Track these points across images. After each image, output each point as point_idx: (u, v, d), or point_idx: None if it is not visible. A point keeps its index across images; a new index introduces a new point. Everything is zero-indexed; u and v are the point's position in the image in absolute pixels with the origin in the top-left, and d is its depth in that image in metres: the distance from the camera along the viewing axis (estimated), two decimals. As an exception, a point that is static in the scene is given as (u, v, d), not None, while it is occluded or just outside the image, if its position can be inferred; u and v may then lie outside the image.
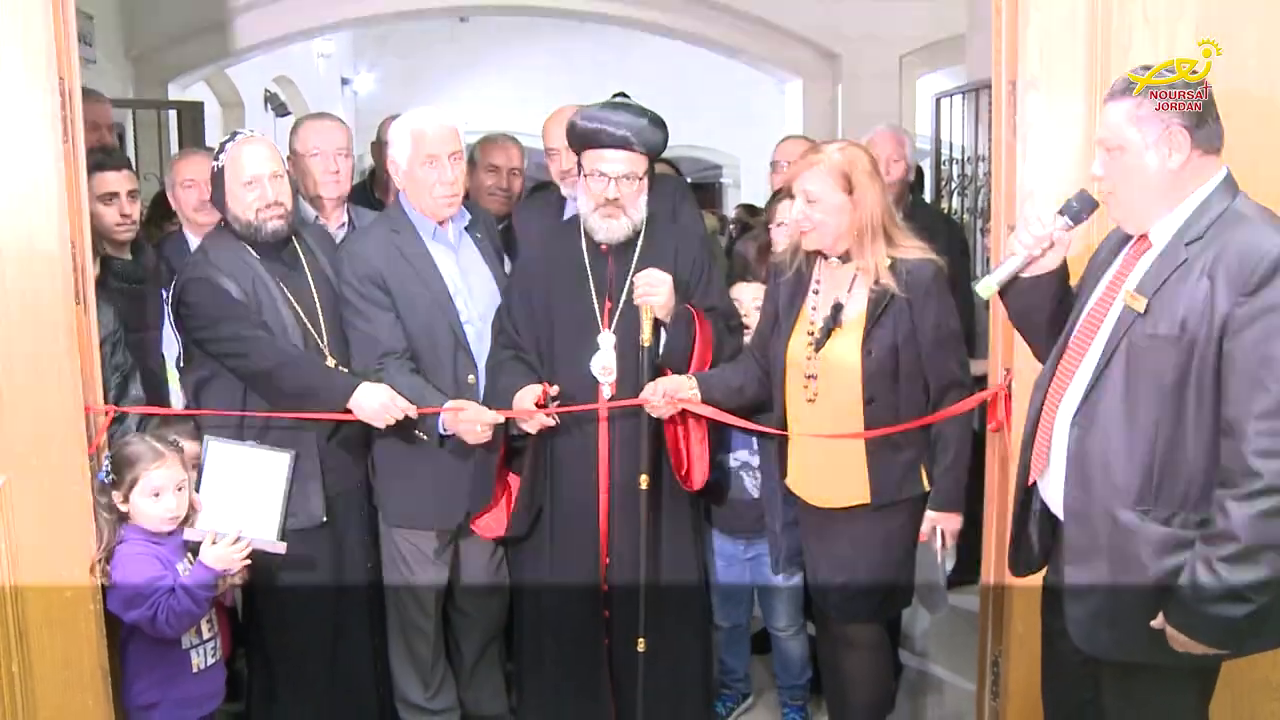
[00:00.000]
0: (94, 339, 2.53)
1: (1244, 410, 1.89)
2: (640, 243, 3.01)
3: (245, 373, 2.82)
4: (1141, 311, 2.00)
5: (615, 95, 3.09)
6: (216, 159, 2.90)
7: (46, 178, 2.35)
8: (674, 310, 2.90)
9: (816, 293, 2.80)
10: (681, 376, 2.86)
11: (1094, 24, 2.50)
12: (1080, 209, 2.19)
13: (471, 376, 2.99)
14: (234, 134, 2.97)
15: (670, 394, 2.81)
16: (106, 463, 2.49)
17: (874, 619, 2.87)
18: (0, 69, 2.30)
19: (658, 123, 2.96)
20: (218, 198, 2.93)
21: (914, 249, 2.73)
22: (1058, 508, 2.19)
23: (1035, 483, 2.27)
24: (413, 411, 2.77)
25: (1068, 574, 2.13)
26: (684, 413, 2.89)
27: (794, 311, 2.82)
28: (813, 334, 2.76)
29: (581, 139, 2.97)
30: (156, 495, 2.50)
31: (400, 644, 3.21)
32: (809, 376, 2.75)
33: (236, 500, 2.65)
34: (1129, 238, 2.17)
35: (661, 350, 2.93)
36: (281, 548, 2.66)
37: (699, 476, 2.97)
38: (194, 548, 2.55)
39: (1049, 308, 2.27)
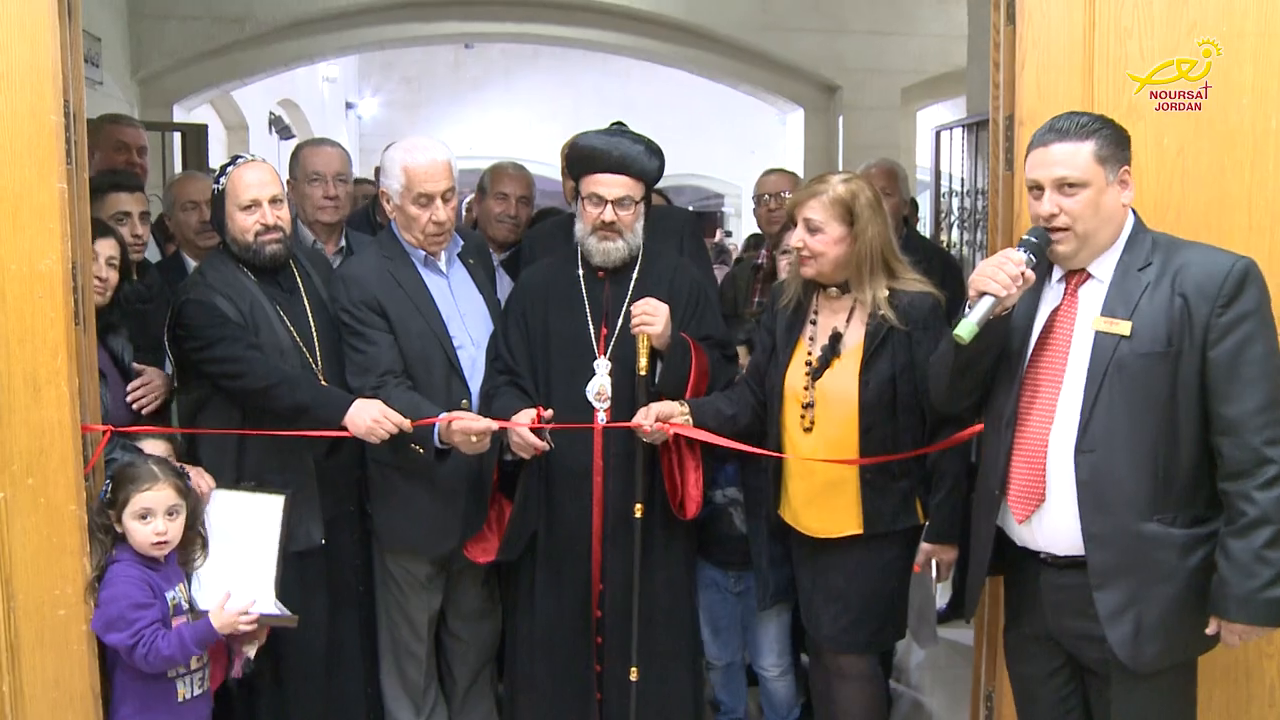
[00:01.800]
0: (93, 359, 2.54)
1: (1242, 408, 2.08)
2: (637, 269, 3.03)
3: (241, 392, 2.82)
4: (1126, 335, 2.14)
5: (613, 124, 3.12)
6: (217, 182, 2.92)
7: (49, 198, 2.37)
8: (671, 339, 2.91)
9: (814, 323, 2.81)
10: (674, 402, 2.86)
11: (1089, 60, 2.52)
12: (1039, 244, 2.24)
13: (465, 401, 2.99)
14: (235, 158, 2.99)
15: (662, 418, 2.81)
16: (108, 481, 2.49)
17: (866, 650, 2.86)
18: (8, 90, 2.33)
19: (654, 150, 2.99)
20: (217, 220, 2.95)
21: (914, 281, 2.75)
22: (1058, 544, 2.25)
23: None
24: (406, 425, 2.76)
25: (1099, 600, 2.18)
26: (678, 440, 2.89)
27: (792, 341, 2.83)
28: (810, 364, 2.76)
29: (578, 163, 3.00)
30: (144, 518, 2.46)
31: (392, 667, 3.21)
32: (806, 406, 2.76)
33: (234, 549, 2.66)
34: (1045, 276, 2.31)
35: (658, 379, 2.93)
36: (293, 621, 2.65)
37: (693, 505, 2.97)
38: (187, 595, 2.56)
39: (998, 348, 2.32)
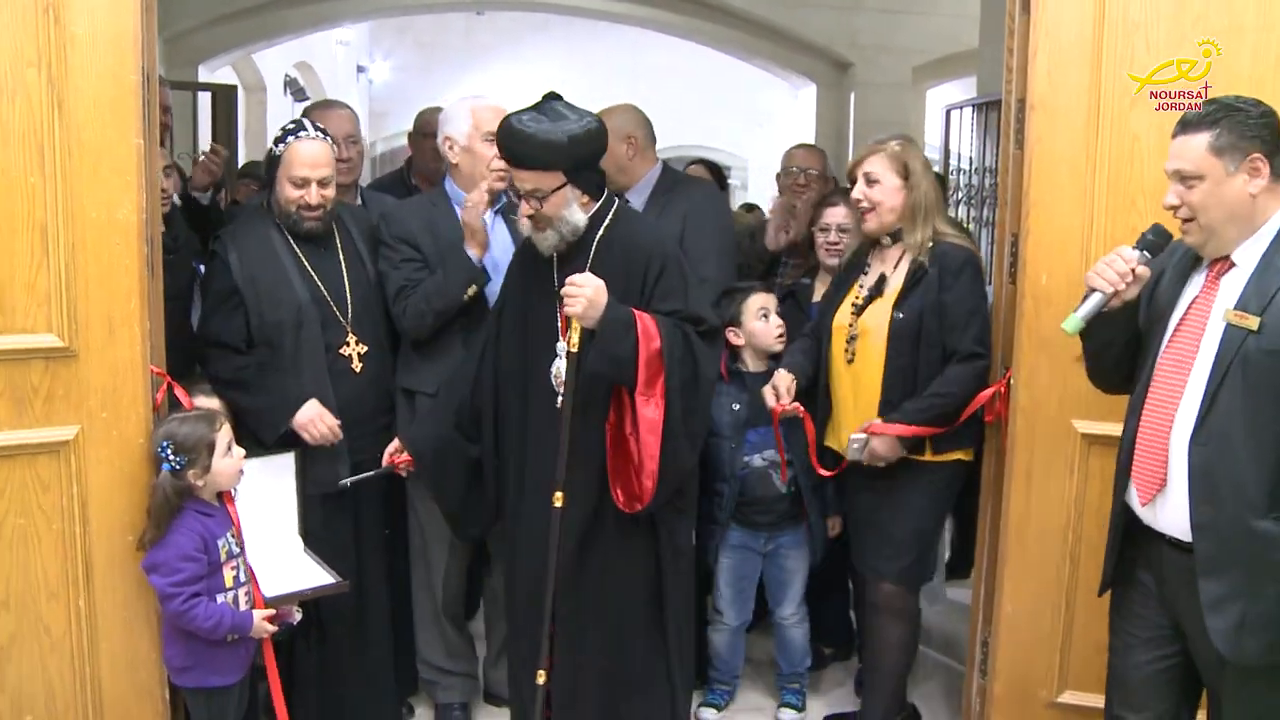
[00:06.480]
0: (159, 306, 2.69)
1: None
2: (593, 250, 2.86)
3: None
4: (1255, 330, 2.09)
5: (546, 95, 2.84)
6: (276, 145, 3.07)
7: (128, 153, 2.53)
8: (607, 318, 2.72)
9: (866, 272, 3.14)
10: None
11: (1099, 48, 2.69)
12: (1157, 241, 2.27)
13: None
14: (300, 125, 3.09)
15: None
16: (169, 451, 2.54)
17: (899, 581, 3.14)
18: (92, 52, 2.48)
19: (581, 135, 2.72)
20: (269, 177, 3.12)
21: (955, 237, 3.08)
22: (1176, 528, 2.22)
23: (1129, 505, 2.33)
24: (337, 434, 3.01)
25: (1202, 588, 2.14)
26: (637, 428, 2.73)
27: (846, 288, 3.17)
28: (857, 303, 3.09)
29: (500, 147, 2.84)
30: (230, 450, 2.64)
31: (424, 606, 3.35)
32: (849, 340, 3.08)
33: (259, 516, 2.81)
34: (1195, 263, 2.28)
35: (587, 360, 2.76)
36: (345, 586, 2.81)
37: (646, 496, 2.75)
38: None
39: (1125, 337, 2.36)
